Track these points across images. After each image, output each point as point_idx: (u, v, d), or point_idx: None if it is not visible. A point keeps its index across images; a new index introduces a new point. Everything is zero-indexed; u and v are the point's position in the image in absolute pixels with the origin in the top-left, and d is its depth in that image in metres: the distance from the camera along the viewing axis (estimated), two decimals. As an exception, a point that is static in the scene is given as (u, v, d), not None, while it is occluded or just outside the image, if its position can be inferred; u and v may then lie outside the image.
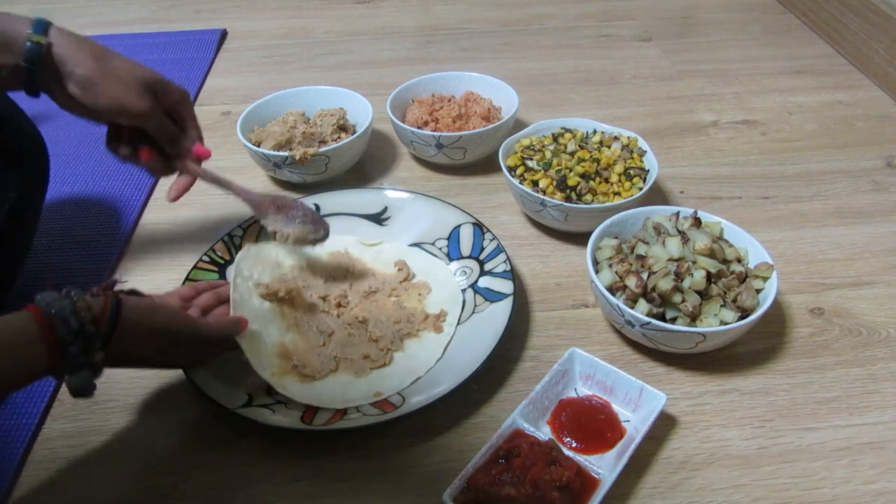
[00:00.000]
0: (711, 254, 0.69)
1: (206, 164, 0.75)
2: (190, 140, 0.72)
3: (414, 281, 0.79)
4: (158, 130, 0.69)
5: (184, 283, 0.74)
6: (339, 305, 0.75)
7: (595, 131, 0.92)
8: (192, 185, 0.74)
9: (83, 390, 0.51)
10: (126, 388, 0.69)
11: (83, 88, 0.63)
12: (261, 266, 0.74)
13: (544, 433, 0.61)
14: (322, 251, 0.80)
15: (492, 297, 0.73)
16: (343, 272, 0.79)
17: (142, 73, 0.67)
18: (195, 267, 0.76)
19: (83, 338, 0.49)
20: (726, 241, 0.73)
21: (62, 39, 0.63)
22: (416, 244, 0.82)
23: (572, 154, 0.86)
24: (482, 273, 0.77)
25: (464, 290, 0.76)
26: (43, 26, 0.62)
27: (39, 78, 0.63)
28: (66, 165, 0.99)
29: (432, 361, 0.69)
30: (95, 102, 0.64)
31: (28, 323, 0.48)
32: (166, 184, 0.97)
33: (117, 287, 0.57)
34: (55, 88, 0.65)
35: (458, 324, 0.73)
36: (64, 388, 0.69)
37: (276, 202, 0.76)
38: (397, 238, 0.83)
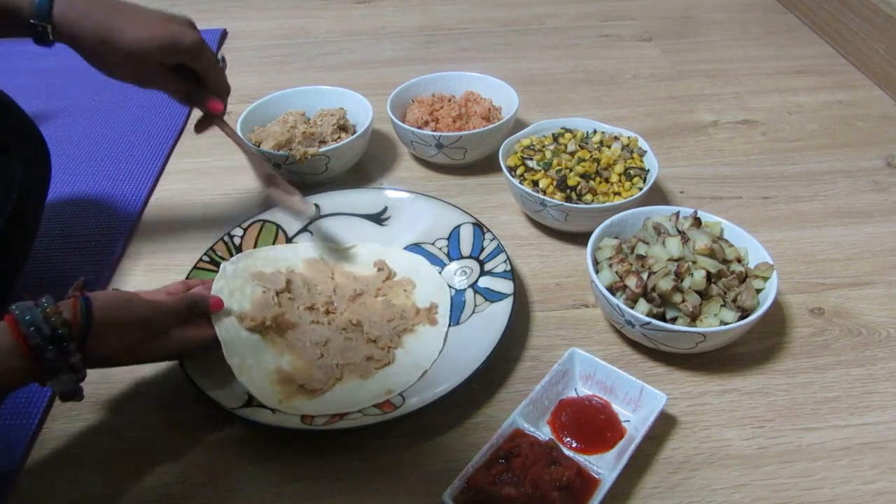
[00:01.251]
0: (711, 254, 0.69)
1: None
2: (207, 91, 0.72)
3: (397, 278, 0.79)
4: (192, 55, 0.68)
5: (184, 283, 0.74)
6: (327, 312, 0.74)
7: (595, 131, 0.92)
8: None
9: (69, 394, 0.52)
10: (126, 388, 0.69)
11: (103, 43, 0.63)
12: (238, 293, 0.71)
13: (544, 433, 0.61)
14: (298, 260, 0.80)
15: (492, 297, 0.73)
16: (324, 279, 0.78)
17: (152, 12, 0.66)
18: (195, 267, 0.76)
19: (56, 341, 0.50)
20: (726, 241, 0.73)
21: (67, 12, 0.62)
22: (416, 244, 0.82)
23: (572, 154, 0.86)
24: (482, 273, 0.77)
25: (464, 290, 0.76)
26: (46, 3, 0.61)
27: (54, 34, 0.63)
28: (66, 165, 0.99)
29: (435, 353, 0.69)
30: (119, 47, 0.63)
31: (3, 334, 0.49)
32: (166, 184, 0.97)
33: (88, 287, 0.57)
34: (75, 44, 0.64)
35: (450, 313, 0.73)
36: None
37: (271, 176, 0.78)
38: (398, 238, 0.83)
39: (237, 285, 0.72)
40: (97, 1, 0.63)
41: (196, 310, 0.65)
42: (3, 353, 0.49)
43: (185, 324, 0.64)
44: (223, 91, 0.73)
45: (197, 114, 0.77)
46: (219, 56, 0.72)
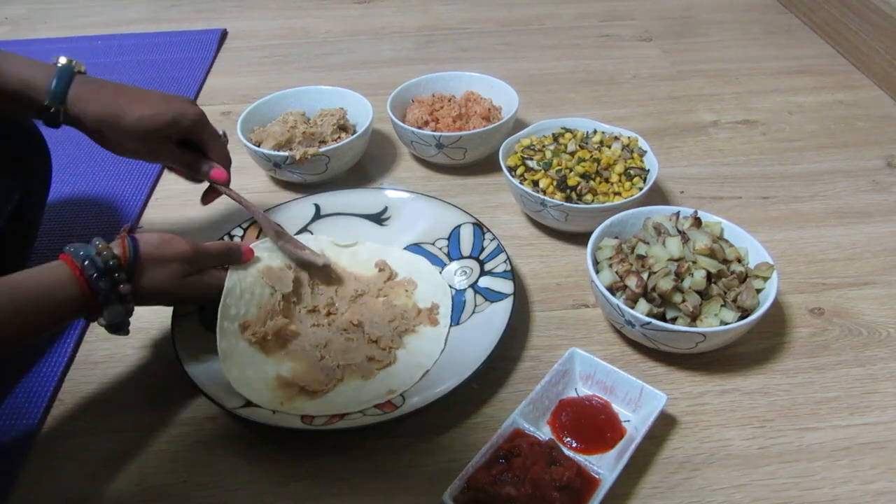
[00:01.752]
0: (711, 254, 0.69)
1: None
2: (208, 162, 0.74)
3: (398, 279, 0.79)
4: (194, 131, 0.71)
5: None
6: (329, 314, 0.74)
7: (595, 131, 0.92)
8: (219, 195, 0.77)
9: (118, 326, 0.59)
10: (126, 387, 0.69)
11: (113, 120, 0.66)
12: (248, 294, 0.71)
13: (544, 433, 0.61)
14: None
15: (492, 297, 0.73)
16: (327, 278, 0.78)
17: (155, 93, 0.69)
18: (195, 267, 0.76)
19: (109, 272, 0.56)
20: (726, 241, 0.73)
21: (80, 95, 0.65)
22: (416, 244, 0.82)
23: (572, 154, 0.86)
24: (482, 273, 0.77)
25: (464, 290, 0.76)
26: (66, 80, 0.64)
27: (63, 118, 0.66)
28: (66, 165, 0.99)
29: (437, 353, 0.69)
30: (127, 124, 0.66)
31: (61, 268, 0.55)
32: (166, 184, 0.97)
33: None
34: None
35: (451, 314, 0.73)
36: (65, 387, 0.69)
37: (279, 232, 0.77)
38: (398, 238, 0.83)
39: (248, 284, 0.71)
40: (106, 84, 0.67)
41: (231, 256, 0.70)
42: (62, 285, 0.55)
43: (222, 269, 0.69)
44: (225, 162, 0.75)
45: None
46: (220, 132, 0.75)
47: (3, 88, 0.63)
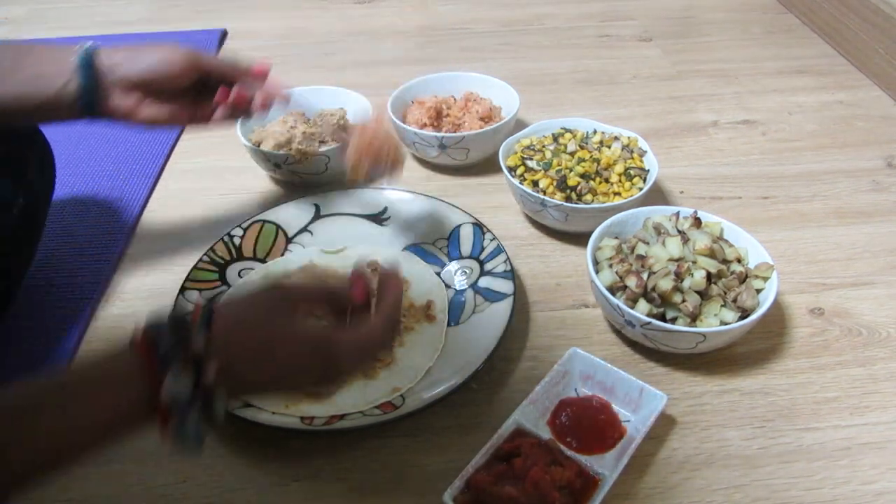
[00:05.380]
0: (711, 254, 0.69)
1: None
2: (241, 70, 0.72)
3: None
4: (215, 65, 0.71)
5: (184, 283, 0.74)
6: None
7: (595, 131, 0.92)
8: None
9: (182, 408, 0.43)
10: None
11: (123, 66, 0.66)
12: None
13: (544, 433, 0.61)
14: (292, 266, 0.79)
15: (492, 297, 0.73)
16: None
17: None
18: (195, 267, 0.76)
19: (175, 331, 0.44)
20: (726, 241, 0.73)
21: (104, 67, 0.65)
22: (416, 244, 0.82)
23: (572, 154, 0.86)
24: (482, 273, 0.77)
25: (464, 290, 0.76)
26: (89, 60, 0.64)
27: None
28: (66, 165, 0.99)
29: (437, 349, 0.69)
30: (139, 69, 0.66)
31: (125, 347, 0.45)
32: (166, 184, 0.97)
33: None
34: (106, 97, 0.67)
35: (448, 310, 0.73)
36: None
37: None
38: (397, 238, 0.83)
39: None
40: (123, 46, 0.68)
41: (335, 300, 0.55)
42: (119, 363, 0.44)
43: (332, 322, 0.55)
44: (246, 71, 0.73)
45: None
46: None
47: (32, 109, 0.63)
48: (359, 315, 0.55)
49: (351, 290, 0.55)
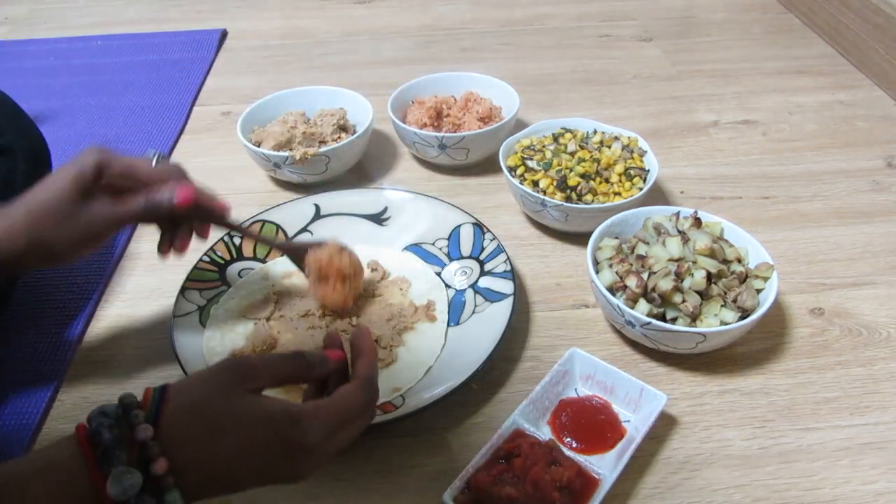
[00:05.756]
0: (712, 254, 0.69)
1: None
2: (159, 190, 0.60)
3: (391, 278, 0.79)
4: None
5: (184, 283, 0.74)
6: (323, 315, 0.73)
7: (595, 131, 0.92)
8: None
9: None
10: (126, 387, 0.69)
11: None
12: (231, 333, 0.71)
13: (544, 433, 0.61)
14: (279, 277, 0.79)
15: (492, 297, 0.73)
16: None
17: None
18: (195, 267, 0.76)
19: (119, 418, 0.41)
20: (726, 241, 0.73)
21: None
22: (416, 244, 0.82)
23: (572, 154, 0.86)
24: (482, 273, 0.77)
25: (464, 290, 0.76)
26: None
27: None
28: (66, 165, 0.98)
29: (438, 349, 0.69)
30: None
31: (71, 438, 0.42)
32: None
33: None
34: None
35: (448, 309, 0.74)
36: (65, 387, 0.69)
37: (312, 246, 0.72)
38: (397, 238, 0.83)
39: (229, 326, 0.72)
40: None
41: (313, 365, 0.49)
42: (60, 457, 0.40)
43: (311, 393, 0.51)
44: (174, 175, 0.60)
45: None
46: (151, 152, 0.63)
47: None
48: (335, 382, 0.51)
49: (328, 355, 0.50)
